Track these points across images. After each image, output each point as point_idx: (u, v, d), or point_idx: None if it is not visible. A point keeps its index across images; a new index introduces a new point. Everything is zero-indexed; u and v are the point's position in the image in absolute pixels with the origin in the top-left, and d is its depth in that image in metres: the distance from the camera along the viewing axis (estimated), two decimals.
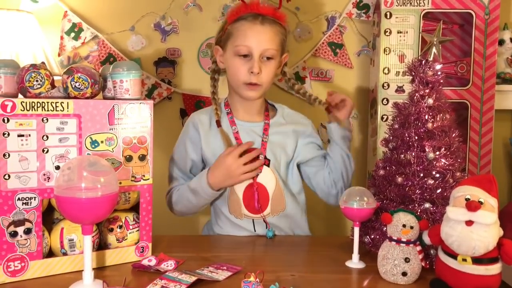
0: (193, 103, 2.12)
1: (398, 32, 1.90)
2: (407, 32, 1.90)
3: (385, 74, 1.91)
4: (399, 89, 1.91)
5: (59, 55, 2.08)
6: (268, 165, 1.45)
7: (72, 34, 2.07)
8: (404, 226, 1.05)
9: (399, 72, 1.90)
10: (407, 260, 1.04)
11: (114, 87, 1.16)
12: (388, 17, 1.89)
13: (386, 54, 1.91)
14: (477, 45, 1.91)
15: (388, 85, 1.92)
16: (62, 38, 2.07)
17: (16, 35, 1.82)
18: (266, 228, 1.43)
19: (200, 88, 2.14)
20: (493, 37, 1.91)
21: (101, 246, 1.15)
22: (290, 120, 1.55)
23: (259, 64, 1.39)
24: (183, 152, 1.50)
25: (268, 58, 1.42)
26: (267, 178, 1.45)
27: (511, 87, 2.06)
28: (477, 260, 0.96)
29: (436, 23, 1.92)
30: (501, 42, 2.04)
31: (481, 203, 0.96)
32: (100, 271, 1.09)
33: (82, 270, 0.99)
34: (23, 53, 1.82)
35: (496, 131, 2.00)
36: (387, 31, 1.89)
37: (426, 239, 1.07)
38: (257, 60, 1.39)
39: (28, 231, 1.02)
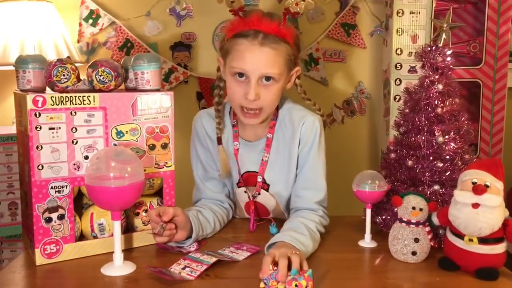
0: (209, 86, 2.17)
1: (410, 13, 1.91)
2: (419, 13, 1.91)
3: (398, 54, 1.94)
4: (412, 70, 1.93)
5: (78, 41, 2.14)
6: (267, 190, 1.35)
7: (90, 21, 2.12)
8: (413, 208, 1.10)
9: (411, 52, 1.92)
10: (416, 240, 1.10)
11: (136, 78, 1.21)
12: None
13: (399, 35, 1.93)
14: (490, 24, 1.92)
15: (401, 66, 1.94)
16: (80, 25, 2.13)
17: (37, 24, 1.88)
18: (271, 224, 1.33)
19: (215, 71, 2.18)
20: (506, 15, 1.92)
21: (128, 229, 1.23)
22: (293, 125, 1.32)
23: (256, 89, 1.21)
24: (202, 155, 1.40)
25: (269, 79, 1.22)
26: (266, 199, 1.37)
27: None
28: (483, 240, 1.02)
29: (448, 3, 1.93)
30: None
31: (487, 186, 1.01)
32: (128, 252, 1.17)
33: (112, 252, 1.07)
34: (44, 41, 1.88)
35: (509, 108, 2.02)
36: (400, 12, 1.91)
37: (435, 220, 1.12)
38: (254, 85, 1.21)
39: (61, 217, 1.10)
